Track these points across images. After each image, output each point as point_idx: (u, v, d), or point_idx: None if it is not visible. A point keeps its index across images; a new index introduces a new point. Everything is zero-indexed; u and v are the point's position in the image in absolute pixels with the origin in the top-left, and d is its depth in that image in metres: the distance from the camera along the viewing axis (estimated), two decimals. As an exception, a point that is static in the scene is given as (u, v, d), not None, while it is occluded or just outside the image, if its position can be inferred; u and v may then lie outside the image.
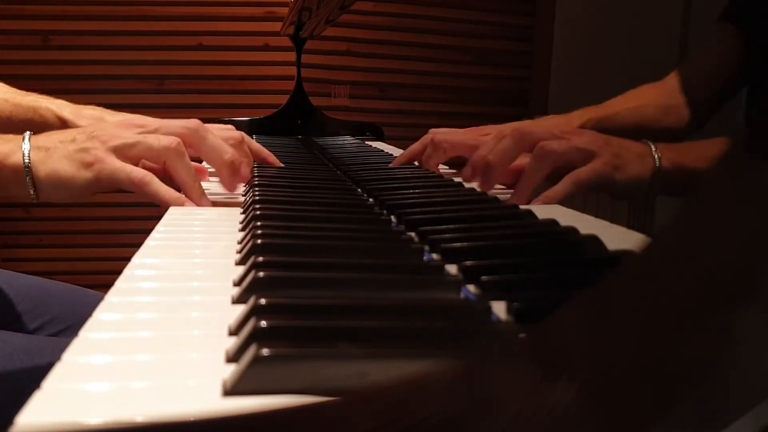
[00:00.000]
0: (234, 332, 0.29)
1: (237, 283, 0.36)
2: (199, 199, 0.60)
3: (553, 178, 0.65)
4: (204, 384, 0.24)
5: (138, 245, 0.43)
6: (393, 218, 0.53)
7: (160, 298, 0.34)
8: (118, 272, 0.37)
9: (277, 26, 1.74)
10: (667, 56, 2.04)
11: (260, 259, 0.36)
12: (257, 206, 0.52)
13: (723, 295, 0.15)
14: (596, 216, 0.55)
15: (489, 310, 0.31)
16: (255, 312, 0.29)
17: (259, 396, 0.23)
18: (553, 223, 0.49)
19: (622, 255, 0.40)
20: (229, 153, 0.64)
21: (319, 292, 0.34)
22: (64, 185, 0.57)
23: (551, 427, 0.15)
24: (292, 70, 1.46)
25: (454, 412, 0.16)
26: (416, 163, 0.89)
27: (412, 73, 2.09)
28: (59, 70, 1.91)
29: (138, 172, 0.57)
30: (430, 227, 0.47)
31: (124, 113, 0.84)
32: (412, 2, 2.08)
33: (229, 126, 0.84)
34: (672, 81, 0.96)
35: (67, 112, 0.81)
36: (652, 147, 0.66)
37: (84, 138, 0.58)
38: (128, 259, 0.40)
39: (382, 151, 1.15)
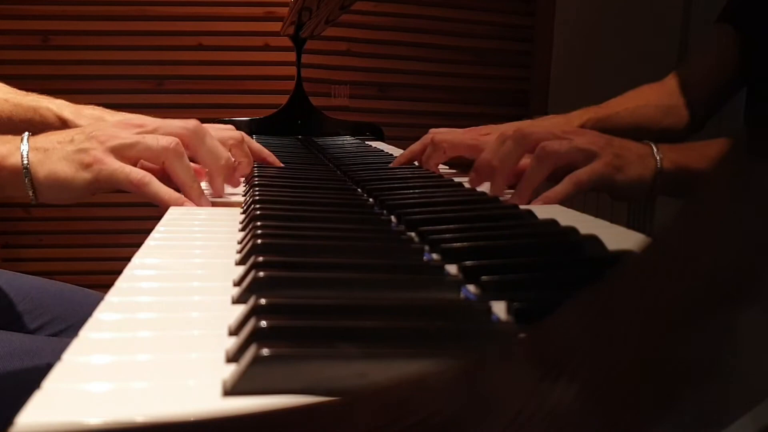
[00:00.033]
0: (234, 332, 0.29)
1: (237, 283, 0.36)
2: (199, 199, 0.60)
3: (554, 178, 0.65)
4: (204, 384, 0.24)
5: (138, 245, 0.43)
6: (393, 218, 0.53)
7: (160, 298, 0.34)
8: (118, 272, 0.37)
9: (277, 26, 1.74)
10: (667, 56, 2.04)
11: (260, 259, 0.36)
12: (257, 206, 0.52)
13: (723, 295, 0.15)
14: (596, 216, 0.55)
15: (489, 310, 0.31)
16: (255, 312, 0.29)
17: (259, 396, 0.23)
18: (553, 223, 0.49)
19: (622, 255, 0.40)
20: (224, 158, 0.64)
21: (319, 292, 0.34)
22: (63, 186, 0.56)
23: (551, 427, 0.15)
24: (292, 70, 1.46)
25: (454, 412, 0.16)
26: (416, 163, 0.89)
27: (412, 73, 2.09)
28: (59, 70, 1.91)
29: (137, 173, 0.57)
30: (430, 227, 0.47)
31: (124, 113, 0.84)
32: (412, 2, 2.08)
33: (229, 126, 0.84)
34: (671, 81, 0.96)
35: (67, 112, 0.81)
36: (654, 148, 0.66)
37: (82, 138, 0.57)
38: (128, 259, 0.40)
39: (382, 151, 1.15)
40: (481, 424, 0.15)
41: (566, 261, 0.42)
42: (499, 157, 0.66)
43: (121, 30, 1.93)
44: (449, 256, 0.41)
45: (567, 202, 0.63)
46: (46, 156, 0.56)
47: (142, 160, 0.60)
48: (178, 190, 0.60)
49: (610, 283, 0.17)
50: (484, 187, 0.69)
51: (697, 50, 1.03)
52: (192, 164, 0.61)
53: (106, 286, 0.34)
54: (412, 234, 0.47)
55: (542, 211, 0.55)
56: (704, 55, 0.98)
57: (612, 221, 0.52)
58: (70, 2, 1.91)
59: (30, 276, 0.87)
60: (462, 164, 0.88)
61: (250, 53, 2.00)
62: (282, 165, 0.83)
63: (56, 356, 0.25)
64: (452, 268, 0.39)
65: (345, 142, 1.34)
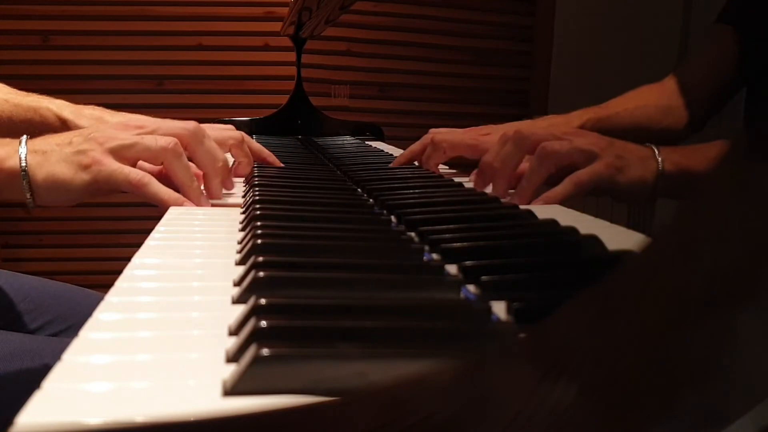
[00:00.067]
0: (234, 332, 0.29)
1: (237, 283, 0.36)
2: (198, 199, 0.60)
3: (555, 180, 0.65)
4: (204, 384, 0.24)
5: (138, 245, 0.43)
6: (393, 218, 0.53)
7: (160, 298, 0.34)
8: (118, 272, 0.37)
9: (277, 26, 1.74)
10: (667, 56, 2.04)
11: (260, 259, 0.36)
12: (257, 206, 0.52)
13: (723, 294, 0.15)
14: (596, 216, 0.55)
15: (489, 310, 0.31)
16: (255, 312, 0.29)
17: (259, 396, 0.23)
18: (553, 223, 0.49)
19: (622, 255, 0.40)
20: (221, 161, 0.64)
21: (319, 292, 0.34)
22: (62, 188, 0.56)
23: (551, 427, 0.15)
24: (292, 70, 1.46)
25: (454, 412, 0.16)
26: (416, 163, 0.89)
27: (412, 73, 2.09)
28: (59, 70, 1.91)
29: (136, 173, 0.57)
30: (430, 227, 0.47)
31: (124, 113, 0.84)
32: (412, 2, 2.08)
33: (229, 126, 0.84)
34: (671, 82, 0.96)
35: (68, 112, 0.81)
36: (656, 150, 0.66)
37: (81, 140, 0.57)
38: (128, 259, 0.40)
39: (382, 151, 1.15)
40: (481, 424, 0.15)
41: (566, 261, 0.42)
42: (500, 159, 0.66)
43: (121, 30, 1.93)
44: (449, 256, 0.41)
45: (567, 202, 0.63)
46: (45, 158, 0.56)
47: (140, 162, 0.60)
48: (177, 190, 0.60)
49: (610, 283, 0.17)
50: (487, 188, 0.69)
51: (696, 51, 1.03)
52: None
53: (106, 286, 0.34)
54: (412, 234, 0.47)
55: (542, 211, 0.55)
56: (704, 56, 0.98)
57: (612, 221, 0.52)
58: (70, 2, 1.91)
59: (30, 276, 0.87)
60: (462, 164, 0.89)
61: (250, 53, 2.00)
62: (282, 165, 0.83)
63: (56, 356, 0.25)
64: (452, 268, 0.39)
65: (345, 142, 1.34)
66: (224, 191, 0.66)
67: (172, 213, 0.56)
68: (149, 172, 0.58)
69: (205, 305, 0.33)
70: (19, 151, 0.56)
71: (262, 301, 0.29)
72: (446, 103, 2.11)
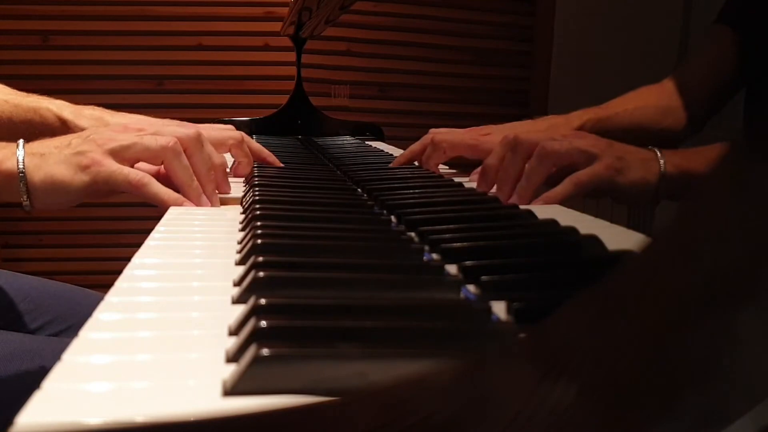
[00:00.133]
0: (234, 332, 0.29)
1: (237, 283, 0.36)
2: (198, 198, 0.60)
3: (555, 180, 0.64)
4: (204, 384, 0.24)
5: (138, 245, 0.43)
6: (393, 218, 0.53)
7: (160, 298, 0.34)
8: (118, 272, 0.37)
9: (277, 26, 1.74)
10: (667, 56, 2.04)
11: (260, 259, 0.36)
12: (257, 206, 0.52)
13: (723, 294, 0.15)
14: (596, 216, 0.55)
15: (489, 310, 0.31)
16: (255, 312, 0.29)
17: (259, 396, 0.23)
18: (553, 223, 0.49)
19: (622, 255, 0.40)
20: (219, 167, 0.64)
21: (319, 292, 0.34)
22: (61, 189, 0.56)
23: (551, 427, 0.15)
24: (292, 70, 1.46)
25: (454, 412, 0.16)
26: (416, 163, 0.89)
27: (412, 73, 2.09)
28: (59, 70, 1.91)
29: (135, 174, 0.57)
30: (430, 227, 0.47)
31: (124, 113, 0.84)
32: (412, 2, 2.08)
33: (229, 126, 0.84)
34: (671, 83, 0.96)
35: (68, 112, 0.81)
36: (658, 152, 0.66)
37: (80, 142, 0.57)
38: (128, 259, 0.40)
39: (382, 151, 1.15)
40: (481, 424, 0.15)
41: (566, 261, 0.42)
42: (503, 168, 0.66)
43: (121, 30, 1.93)
44: (449, 256, 0.41)
45: (567, 202, 0.63)
46: (43, 160, 0.56)
47: (139, 164, 0.59)
48: (176, 191, 0.60)
49: (610, 283, 0.17)
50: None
51: (696, 51, 1.03)
52: None
53: (106, 286, 0.34)
54: (412, 234, 0.47)
55: (542, 211, 0.55)
56: (703, 56, 0.98)
57: (612, 222, 0.52)
58: (70, 2, 1.91)
59: (30, 276, 0.87)
60: (462, 164, 0.89)
61: (250, 53, 2.00)
62: (282, 165, 0.83)
63: (56, 356, 0.25)
64: (452, 268, 0.39)
65: (345, 142, 1.34)
66: (223, 193, 0.66)
67: (172, 213, 0.56)
68: (148, 173, 0.58)
69: (205, 305, 0.33)
70: (16, 154, 0.55)
71: (262, 301, 0.29)
72: (446, 103, 2.11)
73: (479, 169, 0.72)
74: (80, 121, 0.80)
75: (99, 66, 1.93)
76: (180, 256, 0.42)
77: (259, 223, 0.45)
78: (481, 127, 0.86)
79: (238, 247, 0.44)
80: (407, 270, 0.39)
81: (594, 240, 0.43)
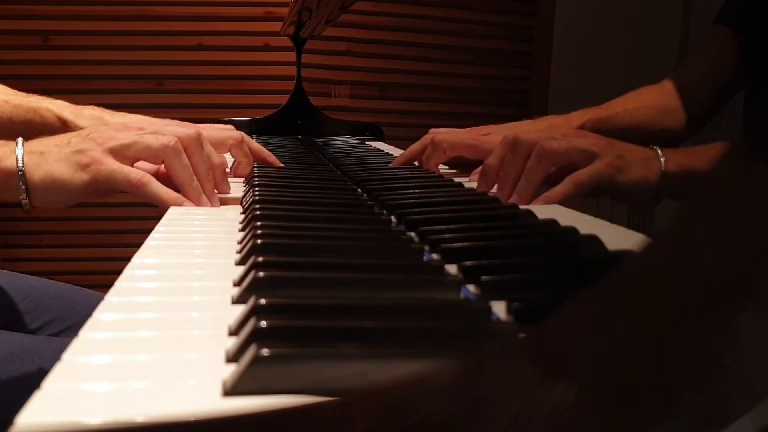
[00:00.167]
0: (234, 332, 0.29)
1: (237, 283, 0.36)
2: (198, 198, 0.60)
3: (555, 180, 0.64)
4: (204, 384, 0.24)
5: (138, 245, 0.43)
6: (393, 218, 0.53)
7: (160, 298, 0.34)
8: (118, 272, 0.37)
9: (277, 26, 1.74)
10: (667, 56, 2.04)
11: (260, 259, 0.36)
12: (257, 206, 0.52)
13: (723, 294, 0.15)
14: (596, 216, 0.55)
15: (489, 310, 0.31)
16: (255, 312, 0.29)
17: (259, 396, 0.23)
18: (553, 223, 0.49)
19: (622, 255, 0.40)
20: (218, 167, 0.64)
21: (319, 292, 0.34)
22: (60, 188, 0.56)
23: (551, 427, 0.15)
24: (292, 70, 1.46)
25: (454, 412, 0.16)
26: (416, 163, 0.89)
27: (412, 73, 2.09)
28: (59, 70, 1.91)
29: (136, 173, 0.57)
30: (430, 227, 0.47)
31: (124, 113, 0.84)
32: (412, 2, 2.08)
33: (229, 126, 0.84)
34: (670, 83, 0.96)
35: (68, 112, 0.81)
36: (659, 151, 0.66)
37: (79, 140, 0.57)
38: (128, 259, 0.40)
39: (382, 151, 1.15)
40: (481, 424, 0.15)
41: (566, 261, 0.42)
42: (504, 166, 0.66)
43: (121, 30, 1.93)
44: (449, 256, 0.41)
45: (567, 202, 0.63)
46: (42, 158, 0.56)
47: (139, 163, 0.59)
48: (176, 191, 0.59)
49: (610, 283, 0.17)
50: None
51: (696, 51, 1.03)
52: None
53: (106, 286, 0.34)
54: (412, 234, 0.47)
55: (542, 211, 0.55)
56: (703, 56, 0.98)
57: (612, 221, 0.52)
58: (70, 2, 1.91)
59: (30, 276, 0.87)
60: (462, 164, 0.89)
61: (250, 53, 2.00)
62: (282, 165, 0.83)
63: (56, 356, 0.25)
64: (452, 268, 0.39)
65: (345, 142, 1.34)
66: (223, 193, 0.66)
67: (172, 213, 0.56)
68: (147, 172, 0.58)
69: (205, 305, 0.33)
70: (16, 152, 0.55)
71: (262, 301, 0.29)
72: (446, 103, 2.11)
73: (479, 169, 0.72)
74: (80, 121, 0.80)
75: (99, 66, 1.93)
76: (180, 256, 0.42)
77: (259, 223, 0.45)
78: (481, 127, 0.86)
79: (238, 247, 0.44)
80: (407, 270, 0.39)
81: (594, 240, 0.43)
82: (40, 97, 0.84)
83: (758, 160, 0.16)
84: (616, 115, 0.91)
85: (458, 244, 0.42)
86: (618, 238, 0.46)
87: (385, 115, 2.03)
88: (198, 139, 0.61)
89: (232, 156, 0.78)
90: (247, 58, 2.00)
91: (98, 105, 0.85)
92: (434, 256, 0.42)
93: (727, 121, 1.00)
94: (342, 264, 0.38)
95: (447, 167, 0.92)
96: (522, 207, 0.56)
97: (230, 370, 0.25)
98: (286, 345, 0.24)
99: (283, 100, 1.46)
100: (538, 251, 0.43)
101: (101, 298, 0.32)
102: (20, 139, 0.57)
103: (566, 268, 0.40)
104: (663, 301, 0.16)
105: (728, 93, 0.95)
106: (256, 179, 0.67)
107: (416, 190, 0.66)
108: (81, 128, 0.76)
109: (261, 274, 0.33)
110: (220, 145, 0.73)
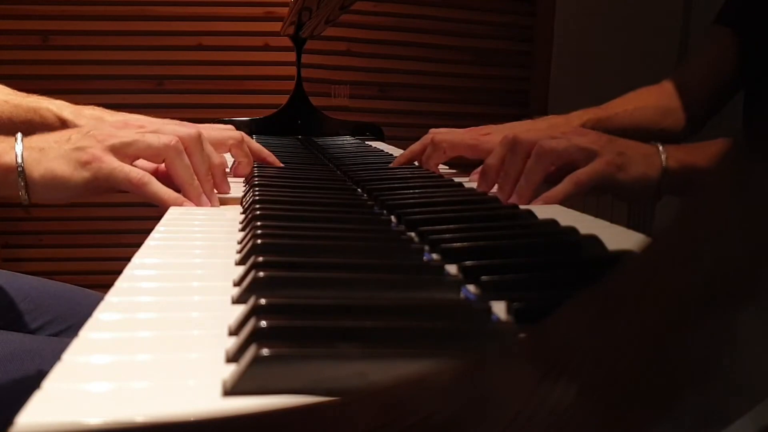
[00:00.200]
0: (234, 332, 0.29)
1: (237, 283, 0.36)
2: (198, 198, 0.60)
3: (555, 180, 0.64)
4: (204, 384, 0.24)
5: (138, 245, 0.43)
6: (393, 218, 0.53)
7: (160, 298, 0.34)
8: (118, 272, 0.37)
9: (277, 26, 1.74)
10: (667, 56, 2.04)
11: (260, 259, 0.36)
12: (257, 206, 0.52)
13: (723, 294, 0.15)
14: (596, 216, 0.55)
15: (489, 310, 0.31)
16: (255, 312, 0.29)
17: (259, 396, 0.23)
18: (553, 223, 0.49)
19: (622, 255, 0.40)
20: (218, 167, 0.64)
21: (319, 292, 0.34)
22: (60, 185, 0.55)
23: (551, 427, 0.15)
24: (292, 70, 1.46)
25: (454, 412, 0.16)
26: (416, 163, 0.89)
27: (412, 73, 2.09)
28: (59, 70, 1.91)
29: (136, 172, 0.57)
30: (430, 227, 0.47)
31: (124, 113, 0.84)
32: (412, 2, 2.08)
33: (229, 126, 0.84)
34: (670, 84, 0.96)
35: (67, 112, 0.81)
36: (660, 147, 0.65)
37: (80, 137, 0.57)
38: (128, 259, 0.40)
39: (382, 151, 1.15)
40: (481, 424, 0.15)
41: (566, 261, 0.42)
42: (504, 166, 0.66)
43: (121, 30, 1.93)
44: (449, 256, 0.41)
45: (567, 202, 0.63)
46: (42, 155, 0.55)
47: (138, 162, 0.59)
48: (176, 191, 0.59)
49: (610, 283, 0.17)
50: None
51: (696, 51, 1.03)
52: None
53: (106, 286, 0.34)
54: (412, 234, 0.47)
55: (542, 211, 0.55)
56: (703, 56, 0.98)
57: (612, 221, 0.52)
58: (70, 2, 1.91)
59: (30, 276, 0.87)
60: (462, 164, 0.88)
61: (250, 53, 2.00)
62: (282, 165, 0.83)
63: (56, 356, 0.25)
64: (452, 268, 0.39)
65: (345, 142, 1.34)
66: (223, 193, 0.66)
67: (172, 213, 0.56)
68: (146, 171, 0.58)
69: (205, 305, 0.33)
70: (15, 148, 0.55)
71: (262, 301, 0.29)
72: (446, 103, 2.11)
73: (479, 169, 0.72)
74: (80, 121, 0.80)
75: (99, 66, 1.93)
76: (180, 256, 0.42)
77: (259, 223, 0.45)
78: (481, 127, 0.86)
79: (238, 247, 0.44)
80: (407, 270, 0.39)
81: (594, 240, 0.43)
82: (40, 97, 0.84)
83: (758, 159, 0.16)
84: (615, 116, 0.91)
85: (458, 244, 0.42)
86: (618, 238, 0.46)
87: (385, 115, 2.03)
88: (198, 139, 0.61)
89: (232, 156, 0.78)
90: (247, 58, 2.00)
91: (98, 105, 0.85)
92: (434, 256, 0.42)
93: (727, 121, 1.00)
94: (342, 264, 0.38)
95: (447, 167, 0.92)
96: (522, 207, 0.56)
97: (230, 370, 0.25)
98: (286, 345, 0.24)
99: (283, 100, 1.47)
100: (538, 251, 0.43)
101: (101, 298, 0.32)
102: (19, 135, 0.56)
103: (566, 268, 0.40)
104: (663, 301, 0.16)
105: (728, 93, 0.95)
106: (256, 179, 0.67)
107: (416, 190, 0.66)
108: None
109: (261, 274, 0.33)
110: (220, 145, 0.73)
